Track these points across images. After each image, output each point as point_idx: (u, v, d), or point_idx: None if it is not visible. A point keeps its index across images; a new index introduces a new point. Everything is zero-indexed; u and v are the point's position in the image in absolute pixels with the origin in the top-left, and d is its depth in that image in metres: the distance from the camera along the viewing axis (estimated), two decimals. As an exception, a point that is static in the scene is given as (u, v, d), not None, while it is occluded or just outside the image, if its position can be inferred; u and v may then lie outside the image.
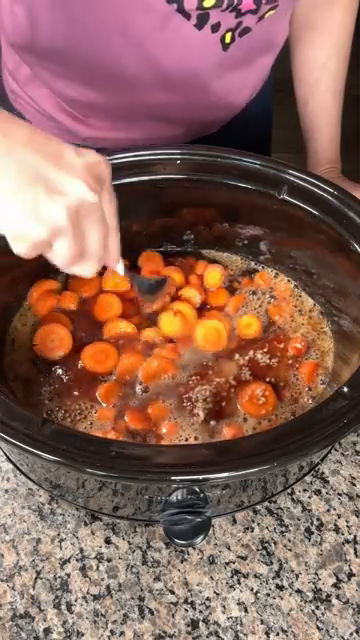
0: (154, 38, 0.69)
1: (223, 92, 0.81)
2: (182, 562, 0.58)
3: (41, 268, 0.71)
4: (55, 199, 0.46)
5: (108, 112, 0.82)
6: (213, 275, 0.74)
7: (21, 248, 0.47)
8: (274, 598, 0.56)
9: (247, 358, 0.67)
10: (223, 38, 0.71)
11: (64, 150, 0.48)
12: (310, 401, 0.64)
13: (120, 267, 0.59)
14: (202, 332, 0.68)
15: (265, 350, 0.68)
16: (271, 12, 0.70)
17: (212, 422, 0.61)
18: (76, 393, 0.64)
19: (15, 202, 0.46)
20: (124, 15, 0.66)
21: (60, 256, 0.49)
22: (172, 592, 0.57)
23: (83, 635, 0.54)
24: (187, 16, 0.67)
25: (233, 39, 0.71)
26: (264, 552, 0.59)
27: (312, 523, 0.61)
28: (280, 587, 0.57)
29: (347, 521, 0.61)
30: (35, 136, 0.47)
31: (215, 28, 0.69)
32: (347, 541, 0.60)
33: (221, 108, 0.85)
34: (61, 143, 0.48)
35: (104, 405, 0.63)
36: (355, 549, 0.59)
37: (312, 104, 0.88)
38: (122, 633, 0.54)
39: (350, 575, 0.58)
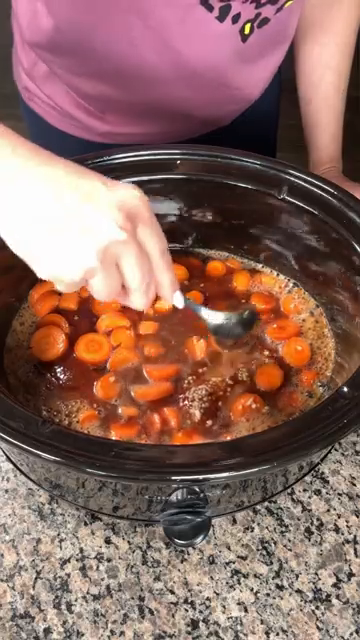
0: (176, 31, 0.69)
1: (241, 85, 0.81)
2: (182, 562, 0.58)
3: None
4: (84, 241, 0.46)
5: (125, 107, 0.83)
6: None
7: (60, 287, 0.49)
8: (274, 598, 0.56)
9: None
10: (242, 29, 0.71)
11: (96, 187, 0.47)
12: (309, 402, 0.64)
13: (177, 299, 0.54)
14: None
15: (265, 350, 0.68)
16: (289, 2, 0.70)
17: (208, 422, 0.61)
18: (76, 393, 0.64)
19: (47, 247, 0.46)
20: (146, 7, 0.66)
21: (97, 292, 0.49)
22: (172, 592, 0.57)
23: (83, 635, 0.54)
24: (210, 8, 0.67)
25: (252, 30, 0.71)
26: (264, 552, 0.59)
27: (312, 523, 0.61)
28: (280, 587, 0.57)
29: (347, 521, 0.61)
30: (68, 175, 0.47)
31: (235, 19, 0.69)
32: (347, 541, 0.60)
33: (237, 101, 0.85)
34: (93, 178, 0.47)
35: (103, 404, 0.63)
36: (355, 549, 0.59)
37: (315, 102, 0.88)
38: (122, 633, 0.54)
39: (350, 575, 0.58)
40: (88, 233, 0.46)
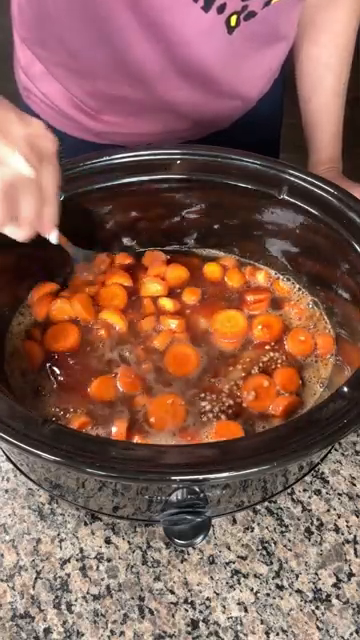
0: (163, 22, 0.69)
1: (233, 81, 0.81)
2: (182, 562, 0.58)
3: (42, 269, 0.72)
4: None
5: (120, 107, 0.83)
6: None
7: None
8: (274, 598, 0.56)
9: (247, 359, 0.67)
10: (228, 21, 0.71)
11: (9, 120, 0.50)
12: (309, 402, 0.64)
13: (53, 236, 0.61)
14: (220, 321, 0.69)
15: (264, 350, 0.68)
16: None
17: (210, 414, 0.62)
18: (77, 394, 0.64)
19: None
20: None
21: None
22: (172, 592, 0.57)
23: (83, 635, 0.54)
24: None
25: (238, 22, 0.72)
26: (264, 552, 0.59)
27: (312, 523, 0.61)
28: (280, 587, 0.57)
29: (347, 521, 0.61)
30: None
31: (221, 9, 0.69)
32: (347, 541, 0.60)
33: (232, 100, 0.86)
34: (7, 110, 0.50)
35: (105, 404, 0.63)
36: (355, 549, 0.59)
37: (314, 102, 0.88)
38: (122, 633, 0.54)
39: (350, 575, 0.58)
40: None
